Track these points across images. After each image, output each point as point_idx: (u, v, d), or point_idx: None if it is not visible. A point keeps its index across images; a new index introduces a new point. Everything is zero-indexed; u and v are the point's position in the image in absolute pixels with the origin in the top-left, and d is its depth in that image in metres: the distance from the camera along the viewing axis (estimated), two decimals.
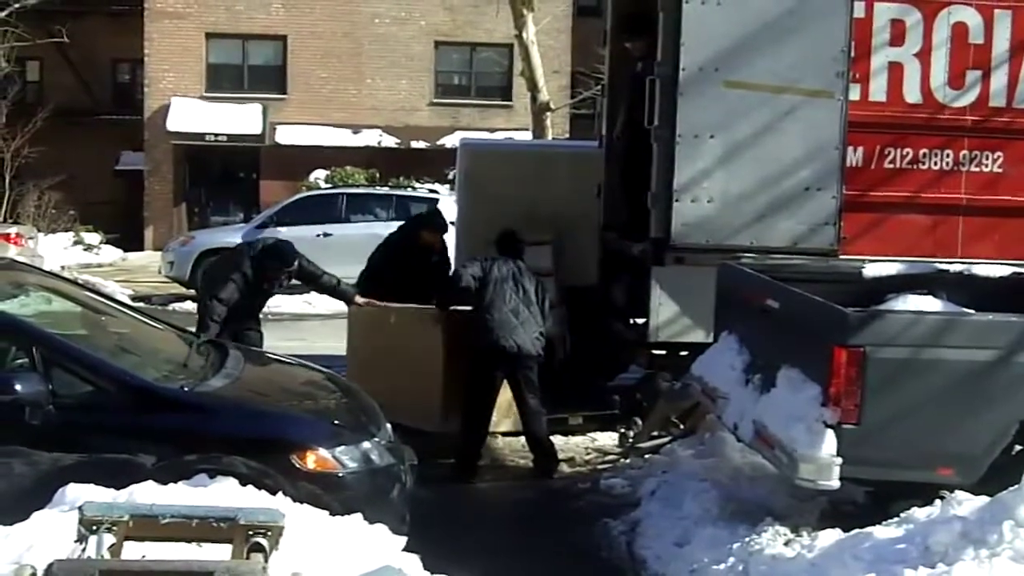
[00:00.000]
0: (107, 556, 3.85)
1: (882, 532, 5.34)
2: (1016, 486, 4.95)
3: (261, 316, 9.42)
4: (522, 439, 9.30)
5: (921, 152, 8.95)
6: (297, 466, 5.68)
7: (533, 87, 20.74)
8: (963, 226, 8.95)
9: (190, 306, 18.69)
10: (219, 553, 3.98)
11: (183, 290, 19.86)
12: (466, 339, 8.66)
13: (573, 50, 29.51)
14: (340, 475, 5.80)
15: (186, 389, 5.93)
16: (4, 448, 5.51)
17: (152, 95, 30.59)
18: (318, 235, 19.33)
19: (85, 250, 27.54)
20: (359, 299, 9.44)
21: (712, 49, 8.31)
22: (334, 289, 9.50)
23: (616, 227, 9.88)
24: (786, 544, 5.94)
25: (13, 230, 20.62)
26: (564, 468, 8.81)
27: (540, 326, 8.57)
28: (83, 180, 29.19)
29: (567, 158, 11.93)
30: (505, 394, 8.89)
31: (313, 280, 9.47)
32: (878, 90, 8.83)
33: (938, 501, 5.43)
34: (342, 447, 5.88)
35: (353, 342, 9.65)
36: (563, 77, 29.49)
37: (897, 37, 8.83)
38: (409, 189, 23.07)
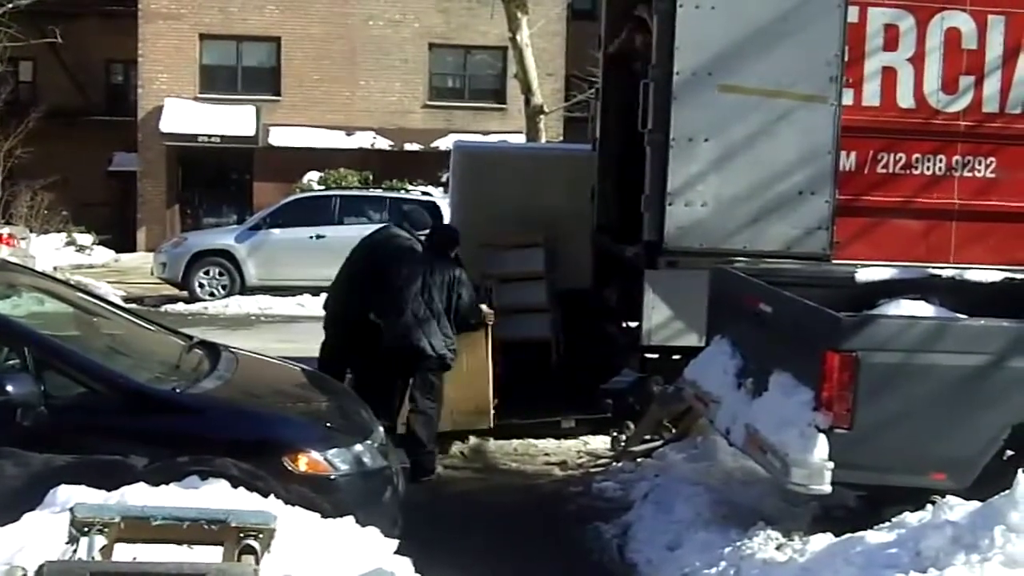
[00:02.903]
0: (98, 558, 3.84)
1: (874, 536, 5.34)
2: (1007, 491, 4.96)
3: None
4: (514, 442, 9.33)
5: (914, 157, 8.96)
6: (289, 468, 5.66)
7: (527, 90, 20.76)
8: (956, 231, 8.96)
9: (182, 308, 18.73)
10: (210, 555, 3.97)
11: (175, 291, 19.86)
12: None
13: (567, 53, 29.52)
14: (332, 478, 5.79)
15: (178, 391, 5.91)
16: None
17: (145, 96, 30.57)
18: (311, 237, 19.33)
19: (77, 251, 27.50)
20: None
21: (706, 53, 8.32)
22: None
23: (609, 230, 9.89)
24: (778, 548, 5.93)
25: (5, 231, 20.62)
26: (556, 471, 8.82)
27: (445, 327, 8.46)
28: (76, 181, 29.14)
29: (561, 161, 11.96)
30: (470, 391, 8.97)
31: None
32: (871, 95, 8.84)
33: (930, 506, 5.43)
34: (334, 450, 5.86)
35: None
36: (557, 80, 29.54)
37: (890, 42, 8.84)
38: (402, 191, 23.05)
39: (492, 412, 9.20)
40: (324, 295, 10.07)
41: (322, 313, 9.90)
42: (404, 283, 8.50)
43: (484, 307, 9.07)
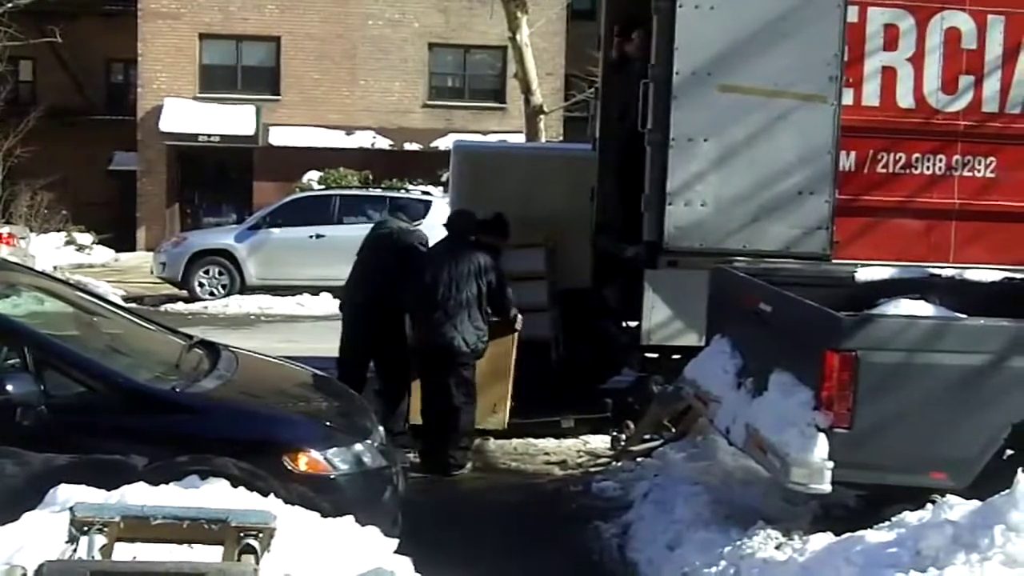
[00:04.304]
0: (98, 557, 3.84)
1: (873, 536, 5.33)
2: (1007, 490, 4.95)
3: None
4: (514, 442, 9.33)
5: (914, 157, 8.97)
6: (289, 468, 5.67)
7: (527, 89, 20.77)
8: (956, 231, 8.97)
9: (182, 307, 18.73)
10: (210, 555, 3.97)
11: (175, 291, 19.86)
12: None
13: (567, 53, 29.52)
14: (332, 477, 5.79)
15: (178, 390, 5.92)
16: None
17: (145, 95, 30.58)
18: (311, 236, 19.33)
19: (77, 250, 27.51)
20: None
21: (706, 53, 8.32)
22: None
23: (609, 230, 9.89)
24: (778, 548, 5.93)
25: (5, 230, 20.63)
26: (556, 471, 8.82)
27: (476, 319, 8.49)
28: (76, 180, 29.16)
29: (560, 160, 11.95)
30: (490, 391, 8.97)
31: None
32: (871, 95, 8.85)
33: (930, 505, 5.43)
34: (334, 449, 5.87)
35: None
36: (557, 79, 29.54)
37: (890, 42, 8.85)
38: (402, 191, 23.05)
39: (507, 414, 9.21)
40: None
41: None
42: (430, 278, 8.48)
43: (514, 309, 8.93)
